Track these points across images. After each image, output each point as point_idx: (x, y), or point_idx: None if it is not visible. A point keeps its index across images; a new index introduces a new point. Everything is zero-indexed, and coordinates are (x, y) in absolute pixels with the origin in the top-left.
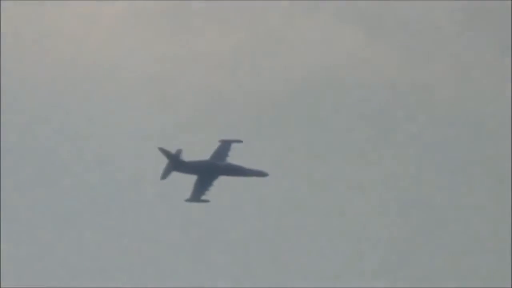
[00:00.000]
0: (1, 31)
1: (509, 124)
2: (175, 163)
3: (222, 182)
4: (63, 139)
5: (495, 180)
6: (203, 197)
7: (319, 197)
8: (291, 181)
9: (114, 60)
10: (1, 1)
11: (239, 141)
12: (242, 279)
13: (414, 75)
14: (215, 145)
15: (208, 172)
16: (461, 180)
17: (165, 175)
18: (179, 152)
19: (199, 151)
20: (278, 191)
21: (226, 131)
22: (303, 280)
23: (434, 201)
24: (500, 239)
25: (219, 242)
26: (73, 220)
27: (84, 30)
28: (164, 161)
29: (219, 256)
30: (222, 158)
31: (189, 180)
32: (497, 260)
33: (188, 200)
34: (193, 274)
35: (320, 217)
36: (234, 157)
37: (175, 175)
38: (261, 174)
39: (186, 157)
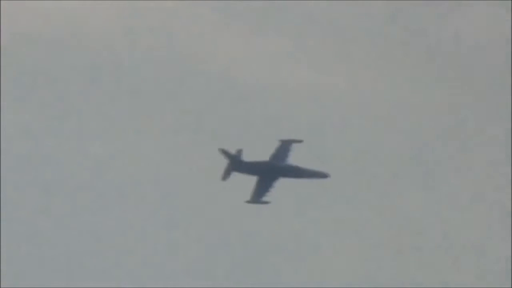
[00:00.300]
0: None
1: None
2: (235, 163)
3: (283, 184)
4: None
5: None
6: (264, 199)
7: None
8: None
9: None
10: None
11: (300, 141)
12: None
13: None
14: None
15: (268, 173)
16: None
17: (225, 176)
18: (239, 152)
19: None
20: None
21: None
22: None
23: None
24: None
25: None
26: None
27: None
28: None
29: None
30: (282, 158)
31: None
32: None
33: (248, 202)
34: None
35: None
36: (294, 158)
37: (235, 176)
38: (322, 175)
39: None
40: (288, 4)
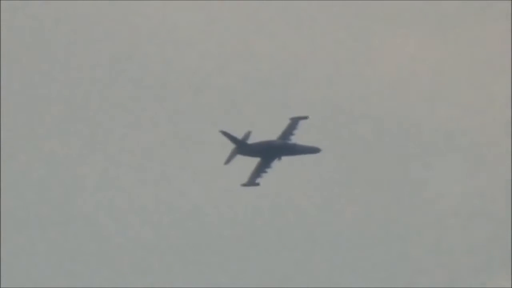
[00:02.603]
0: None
1: None
2: (241, 146)
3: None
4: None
5: None
6: (257, 180)
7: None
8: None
9: None
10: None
11: (306, 118)
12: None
13: None
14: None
15: (268, 152)
16: None
17: (229, 159)
18: (247, 134)
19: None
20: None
21: None
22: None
23: None
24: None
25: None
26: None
27: None
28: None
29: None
30: (287, 137)
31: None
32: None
33: (244, 185)
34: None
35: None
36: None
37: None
38: (314, 150)
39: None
40: None
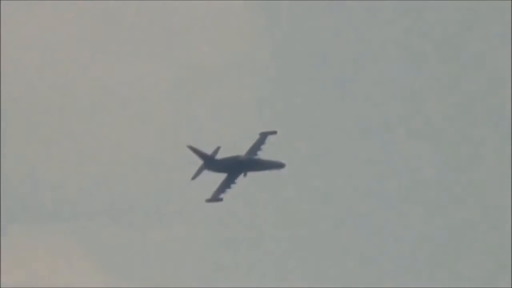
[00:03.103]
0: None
1: None
2: (209, 162)
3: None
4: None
5: None
6: (221, 196)
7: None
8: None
9: None
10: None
11: (274, 133)
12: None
13: None
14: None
15: (234, 168)
16: None
17: (196, 175)
18: (216, 150)
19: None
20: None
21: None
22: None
23: None
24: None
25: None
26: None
27: None
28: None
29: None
30: (255, 152)
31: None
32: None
33: (208, 200)
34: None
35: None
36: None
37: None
38: (278, 165)
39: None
40: None
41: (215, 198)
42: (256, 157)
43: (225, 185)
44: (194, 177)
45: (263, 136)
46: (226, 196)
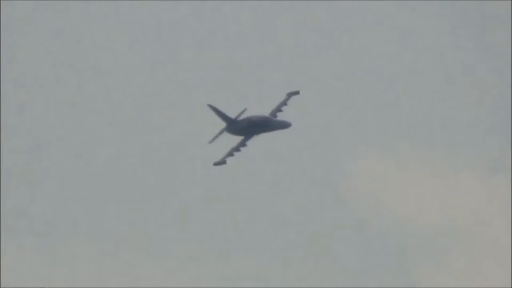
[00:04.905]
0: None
1: None
2: (230, 124)
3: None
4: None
5: None
6: (228, 159)
7: None
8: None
9: None
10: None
11: (297, 93)
12: None
13: None
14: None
15: (249, 129)
16: None
17: (215, 138)
18: (242, 112)
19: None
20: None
21: None
22: None
23: None
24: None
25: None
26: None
27: None
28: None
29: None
30: (274, 113)
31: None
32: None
33: (215, 163)
34: None
35: None
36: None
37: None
38: (286, 125)
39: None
40: None
41: (222, 161)
42: (267, 116)
43: (235, 148)
44: (211, 141)
45: (288, 97)
46: (234, 158)
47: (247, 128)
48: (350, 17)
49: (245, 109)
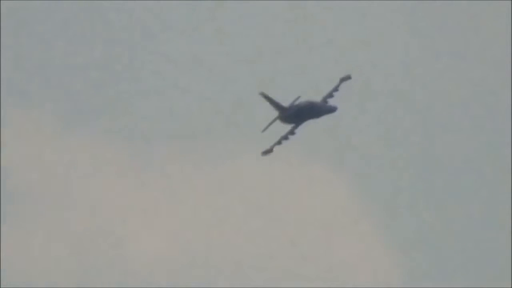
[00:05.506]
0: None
1: None
2: (283, 112)
3: None
4: None
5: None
6: (274, 147)
7: None
8: None
9: None
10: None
11: (349, 78)
12: None
13: None
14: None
15: (299, 116)
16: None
17: (267, 127)
18: (296, 99)
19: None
20: None
21: None
22: None
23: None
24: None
25: None
26: None
27: None
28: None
29: None
30: (325, 99)
31: None
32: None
33: (263, 153)
34: None
35: None
36: None
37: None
38: (332, 109)
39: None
40: None
41: (269, 150)
42: (313, 101)
43: (284, 136)
44: (264, 129)
45: (339, 82)
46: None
47: (295, 114)
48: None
49: (299, 97)
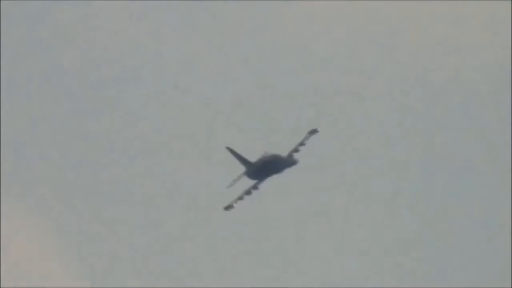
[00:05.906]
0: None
1: None
2: (249, 167)
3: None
4: None
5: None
6: (235, 203)
7: None
8: None
9: None
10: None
11: (316, 131)
12: None
13: None
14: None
15: (264, 170)
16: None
17: (234, 182)
18: (265, 154)
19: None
20: None
21: None
22: None
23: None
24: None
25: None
26: None
27: None
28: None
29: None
30: (291, 153)
31: None
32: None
33: (225, 208)
34: None
35: None
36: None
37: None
38: (294, 162)
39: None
40: None
41: (230, 205)
42: (277, 154)
43: (247, 191)
44: (230, 185)
45: (307, 136)
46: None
47: (261, 169)
48: None
49: (266, 152)
